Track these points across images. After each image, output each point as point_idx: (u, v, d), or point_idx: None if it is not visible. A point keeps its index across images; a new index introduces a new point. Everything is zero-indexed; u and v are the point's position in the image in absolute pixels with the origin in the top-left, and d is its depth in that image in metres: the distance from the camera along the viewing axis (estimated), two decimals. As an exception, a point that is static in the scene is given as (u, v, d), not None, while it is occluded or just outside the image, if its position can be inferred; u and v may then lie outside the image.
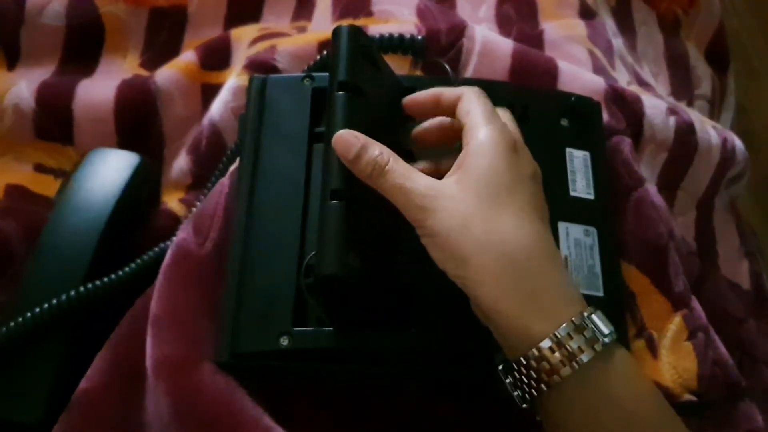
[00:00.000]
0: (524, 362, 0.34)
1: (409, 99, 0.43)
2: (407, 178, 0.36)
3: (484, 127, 0.38)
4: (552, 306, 0.34)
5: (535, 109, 0.47)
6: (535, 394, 0.34)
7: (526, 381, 0.35)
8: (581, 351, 0.33)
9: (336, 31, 0.41)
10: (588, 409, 0.34)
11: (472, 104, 0.39)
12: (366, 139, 0.38)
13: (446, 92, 0.41)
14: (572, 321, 0.34)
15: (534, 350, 0.34)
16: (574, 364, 0.33)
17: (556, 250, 0.37)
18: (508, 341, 0.35)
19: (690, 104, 0.65)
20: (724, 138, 0.57)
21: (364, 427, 0.42)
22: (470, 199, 0.35)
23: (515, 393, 0.35)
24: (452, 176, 0.37)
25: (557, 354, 0.33)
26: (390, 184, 0.37)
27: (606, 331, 0.34)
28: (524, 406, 0.35)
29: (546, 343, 0.33)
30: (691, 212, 0.57)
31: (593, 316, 0.35)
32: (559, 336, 0.33)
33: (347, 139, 0.38)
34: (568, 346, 0.33)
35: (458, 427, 0.42)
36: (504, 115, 0.41)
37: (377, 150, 0.37)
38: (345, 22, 0.42)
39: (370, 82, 0.41)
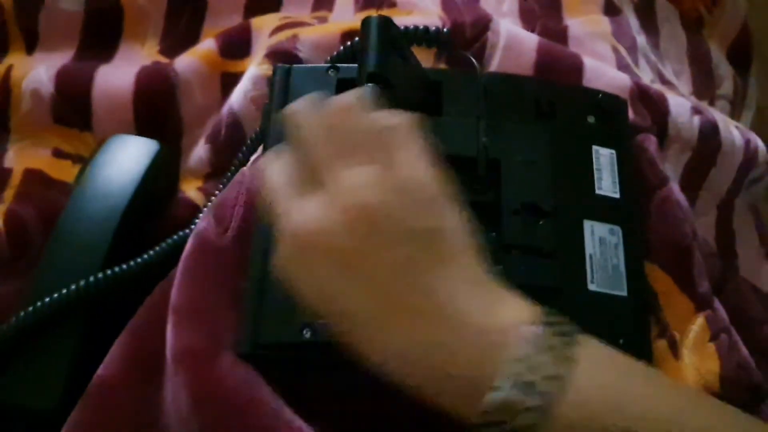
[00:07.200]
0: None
1: None
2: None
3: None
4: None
5: (561, 105, 0.47)
6: None
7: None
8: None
9: (366, 22, 0.41)
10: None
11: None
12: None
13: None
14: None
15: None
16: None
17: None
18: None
19: (711, 104, 0.65)
20: (747, 139, 0.56)
21: (386, 421, 0.42)
22: None
23: None
24: None
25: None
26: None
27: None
28: None
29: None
30: (712, 213, 0.56)
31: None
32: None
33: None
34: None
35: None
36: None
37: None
38: (367, 13, 0.42)
39: (398, 75, 0.40)
